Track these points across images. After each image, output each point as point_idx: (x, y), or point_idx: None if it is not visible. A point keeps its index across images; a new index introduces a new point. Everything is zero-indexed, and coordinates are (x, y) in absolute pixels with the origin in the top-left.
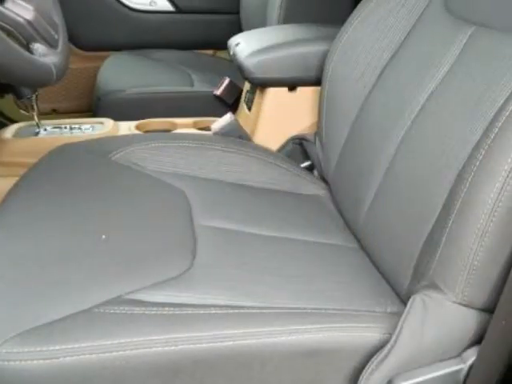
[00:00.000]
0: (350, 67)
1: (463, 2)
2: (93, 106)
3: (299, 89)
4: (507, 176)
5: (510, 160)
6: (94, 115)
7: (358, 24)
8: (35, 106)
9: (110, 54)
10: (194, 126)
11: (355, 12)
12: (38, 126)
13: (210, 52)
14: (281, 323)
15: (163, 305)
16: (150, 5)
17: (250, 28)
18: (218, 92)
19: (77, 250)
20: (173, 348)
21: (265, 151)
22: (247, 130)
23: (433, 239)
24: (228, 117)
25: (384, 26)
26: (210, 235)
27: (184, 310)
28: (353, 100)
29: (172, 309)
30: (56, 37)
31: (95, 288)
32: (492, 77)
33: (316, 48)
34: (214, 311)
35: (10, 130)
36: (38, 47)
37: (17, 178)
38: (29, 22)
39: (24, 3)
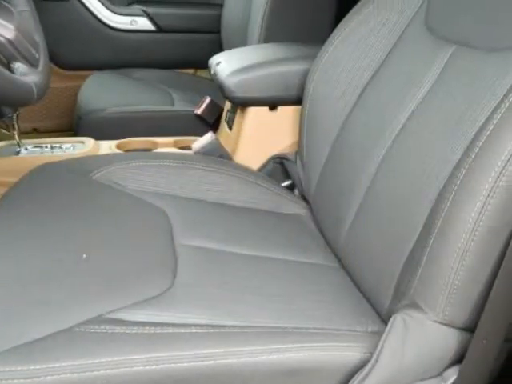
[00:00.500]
0: (330, 86)
1: (444, 21)
2: (74, 125)
3: (280, 108)
4: (488, 195)
5: (490, 179)
6: (75, 134)
7: (338, 43)
8: (16, 125)
9: (91, 73)
10: (175, 145)
11: (336, 31)
12: (18, 145)
13: (190, 71)
14: (262, 342)
15: (144, 324)
16: (131, 24)
17: (230, 47)
18: (199, 111)
19: (58, 269)
20: (154, 367)
21: (245, 170)
22: (228, 149)
23: (414, 258)
24: (209, 136)
25: (365, 45)
26: (190, 254)
27: (165, 329)
28: (334, 119)
29: (153, 328)
30: (37, 56)
31: (76, 307)
32: (473, 96)
33: (297, 67)
34: (194, 330)
35: None
36: (19, 66)
37: None
38: (10, 41)
39: (5, 22)
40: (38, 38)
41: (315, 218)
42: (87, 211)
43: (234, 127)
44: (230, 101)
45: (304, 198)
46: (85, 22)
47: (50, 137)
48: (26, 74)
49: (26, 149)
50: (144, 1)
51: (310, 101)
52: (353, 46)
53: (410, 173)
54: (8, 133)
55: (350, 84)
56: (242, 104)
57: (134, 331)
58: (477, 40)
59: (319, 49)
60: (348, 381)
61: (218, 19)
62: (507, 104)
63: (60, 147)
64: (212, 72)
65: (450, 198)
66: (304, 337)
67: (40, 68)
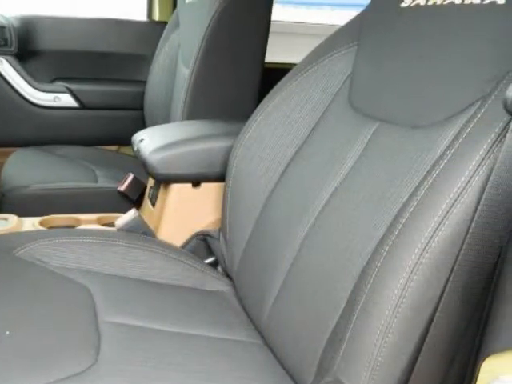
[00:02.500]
0: (254, 163)
1: (367, 98)
2: None
3: (203, 184)
4: (411, 272)
5: (413, 256)
6: None
7: (261, 120)
8: None
9: (14, 149)
10: (98, 221)
11: (259, 108)
12: None
13: (114, 148)
14: None
15: None
16: (54, 101)
17: (154, 124)
18: (122, 188)
19: None
20: None
21: (169, 247)
22: (151, 225)
23: (337, 335)
24: (132, 213)
25: (288, 122)
26: (114, 331)
27: None
28: (257, 196)
29: None
30: None
31: None
32: (396, 173)
33: (220, 144)
34: None
35: None
36: None
37: None
38: None
39: None
40: None
41: (238, 295)
42: (10, 288)
43: (157, 204)
44: (152, 177)
45: (227, 275)
46: (8, 98)
47: None
48: None
49: None
50: (67, 77)
51: (233, 178)
52: (276, 122)
53: (333, 249)
54: None
55: (273, 161)
56: (164, 181)
57: None
58: (400, 117)
59: (243, 125)
60: None
61: (141, 96)
62: (430, 181)
63: None
64: (135, 149)
65: (373, 275)
66: None
67: None
